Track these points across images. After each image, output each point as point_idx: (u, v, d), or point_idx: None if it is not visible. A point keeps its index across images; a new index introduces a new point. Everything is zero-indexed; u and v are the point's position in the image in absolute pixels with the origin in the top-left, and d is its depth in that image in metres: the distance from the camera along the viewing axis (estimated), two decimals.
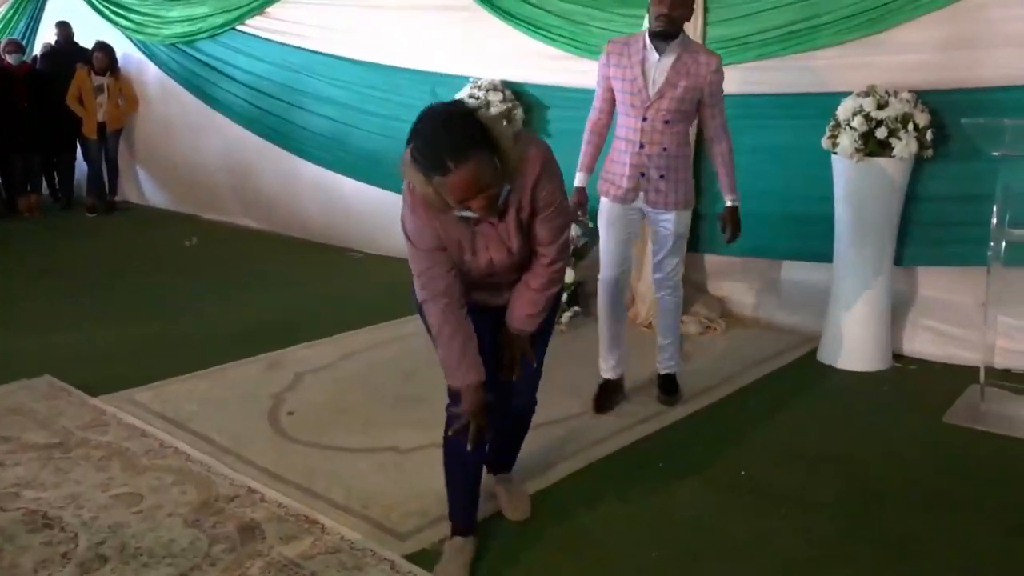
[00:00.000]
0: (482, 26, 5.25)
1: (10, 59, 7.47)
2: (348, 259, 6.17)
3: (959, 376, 3.75)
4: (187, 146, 7.35)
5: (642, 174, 3.27)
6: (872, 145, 3.79)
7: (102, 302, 5.11)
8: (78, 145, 7.95)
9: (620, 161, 3.31)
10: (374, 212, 6.01)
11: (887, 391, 3.79)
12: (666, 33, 3.16)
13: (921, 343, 4.09)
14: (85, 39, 7.75)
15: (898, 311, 4.10)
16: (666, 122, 3.22)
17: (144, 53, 7.59)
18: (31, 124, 7.41)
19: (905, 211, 3.96)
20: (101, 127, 7.62)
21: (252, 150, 6.71)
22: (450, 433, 2.33)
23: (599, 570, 2.46)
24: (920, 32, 3.89)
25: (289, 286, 5.48)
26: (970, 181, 3.81)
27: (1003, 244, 3.40)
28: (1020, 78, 3.64)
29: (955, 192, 3.91)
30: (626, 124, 3.29)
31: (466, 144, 1.94)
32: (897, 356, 4.08)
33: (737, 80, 4.08)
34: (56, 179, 8.31)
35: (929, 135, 3.78)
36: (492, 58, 5.28)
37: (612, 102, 3.34)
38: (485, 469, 2.61)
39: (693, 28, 4.46)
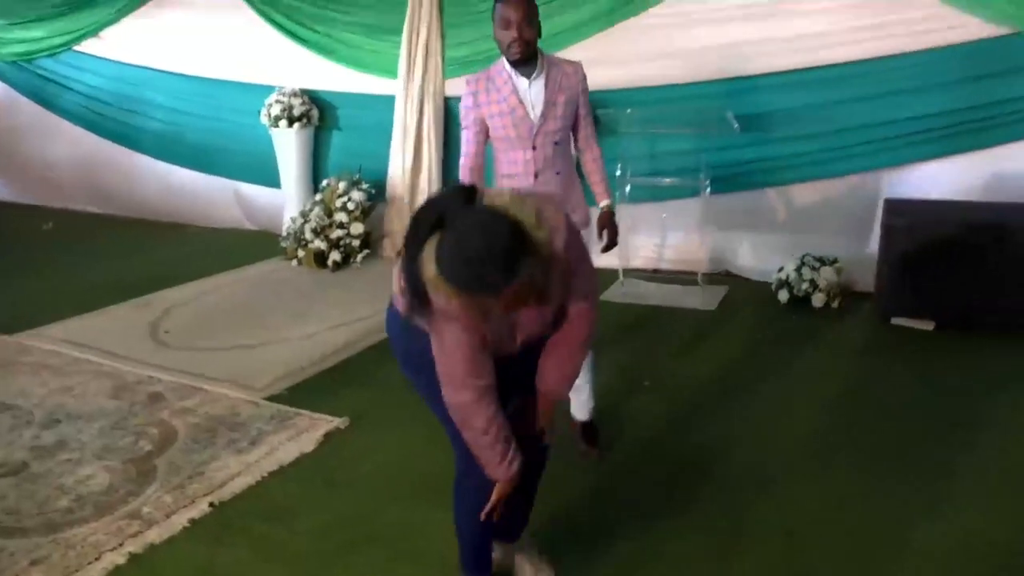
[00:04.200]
0: (285, 47, 5.98)
1: None
2: (186, 232, 6.73)
3: (610, 275, 4.94)
4: (34, 148, 7.50)
5: None
6: None
7: None
8: None
9: None
10: (206, 194, 6.69)
11: None
12: (523, 59, 2.61)
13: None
14: None
15: None
16: (556, 143, 2.69)
17: None
18: None
19: None
20: None
21: (95, 148, 7.05)
22: (483, 517, 1.94)
23: None
24: (585, 50, 4.86)
25: (140, 253, 5.97)
26: (608, 148, 5.08)
27: (627, 188, 4.76)
28: (632, 83, 4.88)
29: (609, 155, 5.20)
30: (513, 159, 2.70)
31: (514, 259, 1.49)
32: None
33: None
34: None
35: None
36: (293, 71, 6.02)
37: (485, 143, 2.76)
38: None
39: (436, 51, 5.55)
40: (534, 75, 2.65)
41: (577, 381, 2.62)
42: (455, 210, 1.52)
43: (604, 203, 2.86)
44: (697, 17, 4.72)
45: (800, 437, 3.06)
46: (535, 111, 2.66)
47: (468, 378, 1.76)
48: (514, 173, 2.71)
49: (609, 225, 2.83)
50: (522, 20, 2.55)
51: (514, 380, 1.95)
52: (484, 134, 2.74)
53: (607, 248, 2.85)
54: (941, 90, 4.37)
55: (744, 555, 2.37)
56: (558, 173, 2.72)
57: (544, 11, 4.94)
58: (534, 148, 2.67)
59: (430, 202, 1.59)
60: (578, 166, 2.95)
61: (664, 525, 2.52)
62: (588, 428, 2.97)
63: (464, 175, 2.75)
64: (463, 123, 2.76)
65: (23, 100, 7.46)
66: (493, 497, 1.90)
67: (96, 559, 2.35)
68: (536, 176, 2.69)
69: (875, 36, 4.42)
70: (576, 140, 2.84)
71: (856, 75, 4.55)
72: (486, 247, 1.47)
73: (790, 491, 2.69)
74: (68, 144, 7.26)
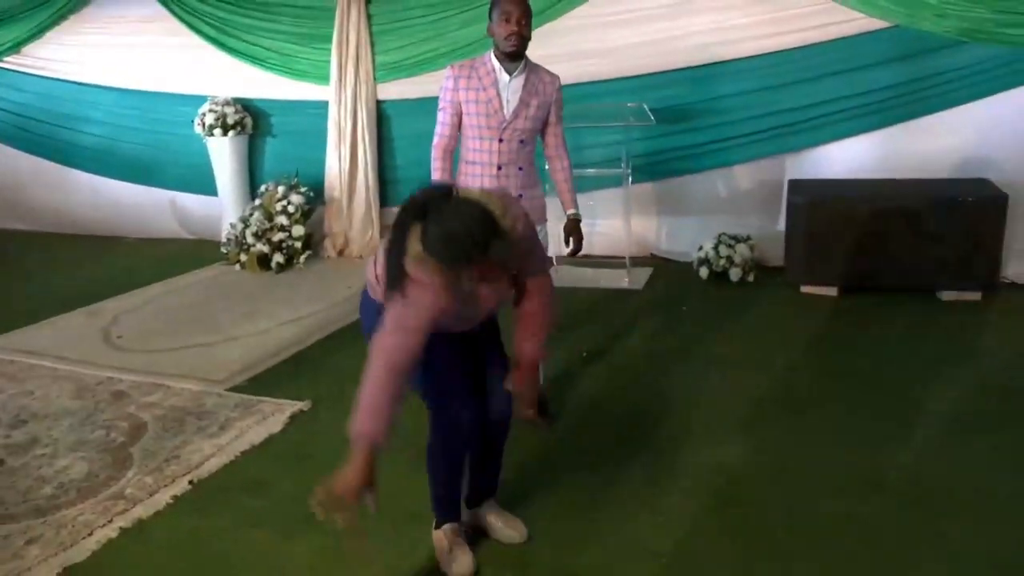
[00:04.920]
0: (216, 58, 6.11)
1: None
2: (122, 244, 6.78)
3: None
4: None
5: None
6: None
7: None
8: None
9: (476, 186, 2.88)
10: (140, 206, 6.74)
11: None
12: (518, 53, 2.84)
13: None
14: None
15: None
16: (521, 142, 2.91)
17: None
18: None
19: None
20: None
21: (23, 165, 7.00)
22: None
23: None
24: None
25: (78, 267, 6.01)
26: None
27: None
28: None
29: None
30: (479, 147, 2.91)
31: (487, 237, 1.82)
32: None
33: (398, 90, 5.59)
34: None
35: None
36: (225, 81, 6.15)
37: (458, 126, 2.96)
38: (464, 505, 2.46)
39: (366, 57, 5.78)
40: (516, 72, 2.88)
41: None
42: (437, 202, 1.86)
43: (571, 212, 3.09)
44: (612, 19, 5.12)
45: (731, 394, 3.41)
46: (509, 106, 2.87)
47: (411, 326, 1.92)
48: (477, 161, 2.93)
49: (575, 232, 3.08)
50: (522, 16, 2.80)
51: (479, 348, 2.30)
52: (458, 117, 2.94)
53: (573, 253, 3.10)
54: (835, 79, 4.84)
55: (680, 488, 2.70)
56: (520, 169, 2.93)
57: (471, 16, 5.30)
58: (500, 141, 2.89)
59: (416, 196, 1.89)
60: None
61: (609, 472, 2.83)
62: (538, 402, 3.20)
63: (436, 153, 2.97)
64: (440, 104, 2.97)
65: None
66: (337, 484, 2.00)
67: (89, 535, 2.52)
68: (499, 168, 2.90)
69: (776, 32, 4.89)
70: (546, 147, 3.08)
71: (759, 68, 5.02)
72: (464, 228, 1.81)
73: (724, 439, 3.04)
74: None
